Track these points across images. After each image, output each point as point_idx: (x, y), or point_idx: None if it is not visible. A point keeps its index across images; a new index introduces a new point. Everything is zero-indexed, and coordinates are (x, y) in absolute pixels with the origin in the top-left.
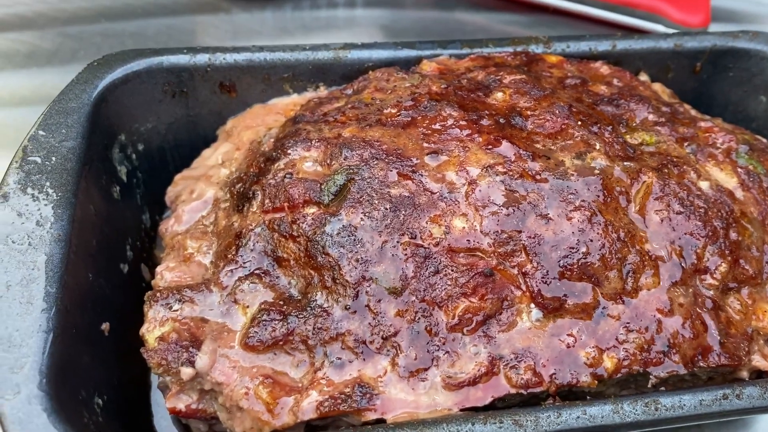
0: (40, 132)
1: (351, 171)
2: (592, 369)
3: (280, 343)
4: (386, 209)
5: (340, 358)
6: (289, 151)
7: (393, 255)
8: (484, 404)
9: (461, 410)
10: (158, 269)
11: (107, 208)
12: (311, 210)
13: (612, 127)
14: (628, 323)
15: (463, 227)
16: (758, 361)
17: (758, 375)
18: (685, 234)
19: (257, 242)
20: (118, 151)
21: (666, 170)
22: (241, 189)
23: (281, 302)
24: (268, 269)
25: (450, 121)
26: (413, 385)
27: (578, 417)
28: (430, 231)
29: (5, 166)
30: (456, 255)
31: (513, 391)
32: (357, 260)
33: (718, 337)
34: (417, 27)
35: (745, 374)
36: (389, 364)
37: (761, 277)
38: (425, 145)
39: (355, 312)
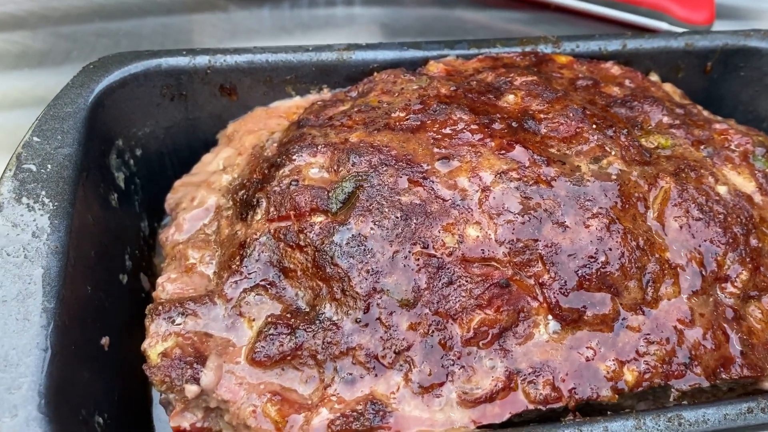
0: (35, 138)
1: (359, 178)
2: (613, 383)
3: (288, 358)
4: (397, 218)
5: (351, 374)
6: (294, 157)
7: (405, 265)
8: (502, 421)
9: (478, 427)
10: (159, 281)
11: (105, 216)
12: (318, 219)
13: (627, 131)
14: (648, 335)
15: (477, 236)
16: None
17: None
18: (705, 241)
19: (262, 252)
20: (115, 157)
21: (683, 175)
22: (245, 196)
23: (288, 315)
24: (274, 280)
25: (461, 125)
26: (428, 402)
27: None
28: (442, 240)
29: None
30: (470, 265)
31: (531, 406)
32: (367, 271)
33: (740, 348)
34: (417, 25)
35: (767, 385)
36: (402, 380)
37: None
38: (436, 150)
39: (366, 325)
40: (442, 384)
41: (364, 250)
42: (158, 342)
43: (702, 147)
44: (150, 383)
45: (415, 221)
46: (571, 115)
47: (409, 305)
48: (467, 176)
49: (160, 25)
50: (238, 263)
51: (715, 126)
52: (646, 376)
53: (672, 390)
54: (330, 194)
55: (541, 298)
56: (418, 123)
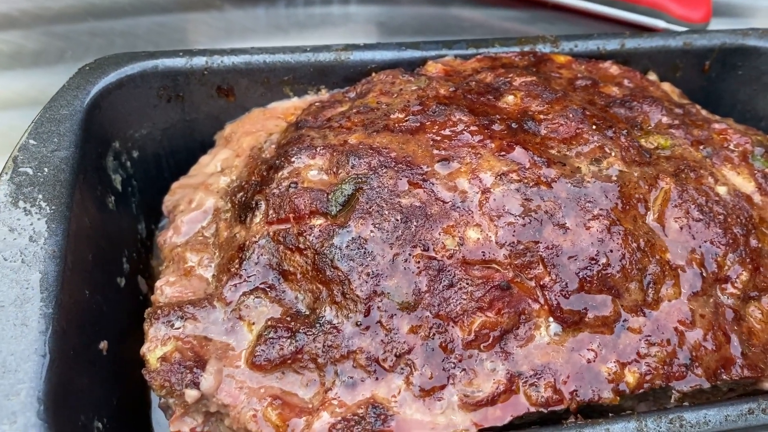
0: (31, 141)
1: (359, 180)
2: (614, 385)
3: (289, 361)
4: (397, 220)
5: (351, 377)
6: (292, 159)
7: (405, 268)
8: (503, 424)
9: (479, 430)
10: (158, 284)
11: (102, 219)
12: (318, 221)
13: (627, 131)
14: (649, 336)
15: (478, 238)
16: None
17: None
18: (705, 242)
19: (261, 255)
20: (112, 159)
21: (683, 175)
22: (243, 199)
23: (288, 318)
24: (273, 283)
25: (460, 127)
26: (429, 405)
27: None
28: (443, 242)
29: None
30: (471, 267)
31: (533, 409)
32: (367, 274)
33: (741, 348)
34: (413, 24)
35: (767, 385)
36: (403, 383)
37: None
38: (435, 151)
39: (366, 328)
40: (443, 387)
41: (364, 252)
42: (157, 346)
43: (701, 147)
44: (149, 388)
45: (415, 223)
46: (570, 115)
47: (410, 308)
48: (467, 178)
49: (155, 25)
50: (237, 266)
51: (714, 126)
52: (647, 377)
53: (673, 391)
54: (329, 197)
55: (542, 300)
56: (418, 124)
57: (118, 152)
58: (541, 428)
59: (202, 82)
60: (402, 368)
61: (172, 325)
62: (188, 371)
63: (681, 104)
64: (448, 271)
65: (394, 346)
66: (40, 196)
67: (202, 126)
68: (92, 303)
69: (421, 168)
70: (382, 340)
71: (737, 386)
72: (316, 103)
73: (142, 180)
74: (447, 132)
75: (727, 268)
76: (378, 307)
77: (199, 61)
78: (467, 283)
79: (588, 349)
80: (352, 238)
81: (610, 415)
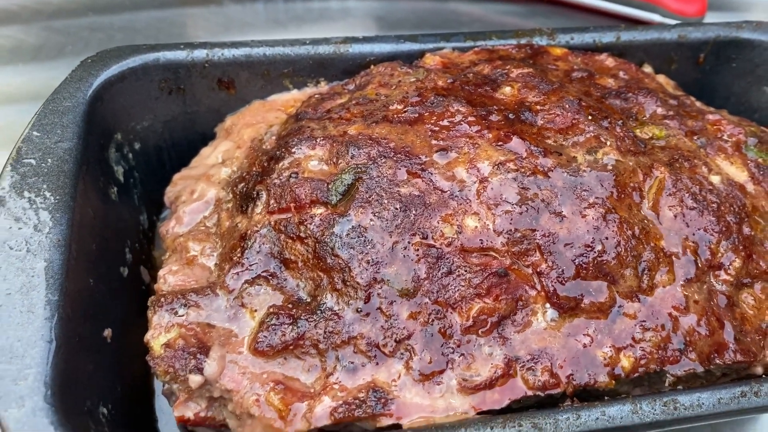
0: (35, 133)
1: (359, 170)
2: (609, 369)
3: (291, 347)
4: (396, 209)
5: (352, 363)
6: (293, 150)
7: (404, 256)
8: (501, 407)
9: (478, 413)
10: (161, 273)
11: (105, 210)
12: (319, 210)
13: (622, 122)
14: (644, 321)
15: (476, 226)
16: None
17: None
18: (699, 230)
19: (263, 244)
20: (114, 151)
21: (677, 165)
22: (245, 189)
23: (290, 305)
24: (275, 271)
25: (458, 117)
26: (428, 389)
27: (597, 418)
28: (441, 231)
29: None
30: (469, 255)
31: (530, 393)
32: (367, 262)
33: (734, 334)
34: (412, 18)
35: (759, 370)
36: (403, 368)
37: None
38: (434, 142)
39: (366, 315)
40: (442, 371)
41: (364, 241)
42: (161, 333)
43: (695, 137)
44: (152, 375)
45: (414, 212)
46: (567, 106)
47: (409, 295)
48: (465, 167)
49: (154, 19)
50: (239, 255)
51: (708, 117)
52: (642, 361)
53: (667, 375)
54: (330, 186)
55: (539, 287)
56: (416, 115)
57: (121, 144)
58: (538, 411)
59: (203, 75)
60: (402, 353)
61: (176, 313)
62: (192, 357)
63: (675, 96)
64: (447, 258)
65: (394, 331)
66: (45, 187)
67: (203, 118)
68: (96, 291)
69: (419, 158)
70: (382, 326)
71: (730, 371)
72: (316, 95)
73: (143, 171)
74: (445, 123)
75: (720, 255)
76: (378, 294)
77: (200, 54)
78: (465, 270)
79: (584, 334)
80: (352, 226)
81: (606, 399)
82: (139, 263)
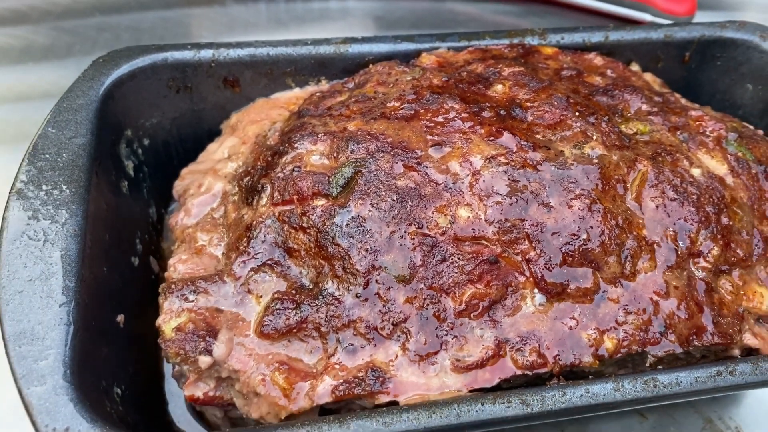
0: (50, 129)
1: (358, 164)
2: (594, 349)
3: (294, 330)
4: (393, 200)
5: (352, 344)
6: (296, 145)
7: (401, 244)
8: (492, 385)
9: (470, 391)
10: (171, 261)
11: (117, 202)
12: (320, 202)
13: (608, 118)
14: (626, 306)
15: (468, 216)
16: (749, 340)
17: (749, 352)
18: (680, 220)
19: (268, 234)
20: (125, 147)
21: (660, 158)
22: (250, 182)
23: (294, 291)
24: (279, 260)
25: (452, 114)
26: (423, 369)
27: (581, 395)
28: (436, 221)
29: (5, 162)
30: (461, 243)
31: (519, 372)
32: (366, 250)
33: (712, 318)
34: (410, 17)
35: (737, 352)
36: (400, 349)
37: (751, 259)
38: (429, 137)
39: (365, 300)
40: (436, 352)
41: (363, 230)
42: (172, 318)
43: (678, 132)
44: (162, 360)
45: (410, 203)
46: (555, 103)
47: (406, 281)
48: (458, 161)
49: (160, 19)
50: (245, 244)
51: (691, 113)
52: (625, 343)
53: (648, 356)
54: (330, 179)
55: (527, 273)
56: (412, 112)
57: (131, 140)
58: (526, 389)
59: (209, 74)
60: (398, 336)
61: (186, 299)
62: (201, 340)
63: (661, 93)
64: (441, 247)
65: (391, 315)
66: (61, 180)
67: (210, 115)
68: (110, 279)
69: (415, 152)
70: (380, 310)
71: (709, 353)
72: (317, 93)
73: (152, 166)
74: (440, 119)
75: (699, 243)
76: (376, 280)
77: (207, 54)
78: (458, 258)
79: (570, 318)
80: (352, 217)
81: (591, 378)
82: (148, 254)
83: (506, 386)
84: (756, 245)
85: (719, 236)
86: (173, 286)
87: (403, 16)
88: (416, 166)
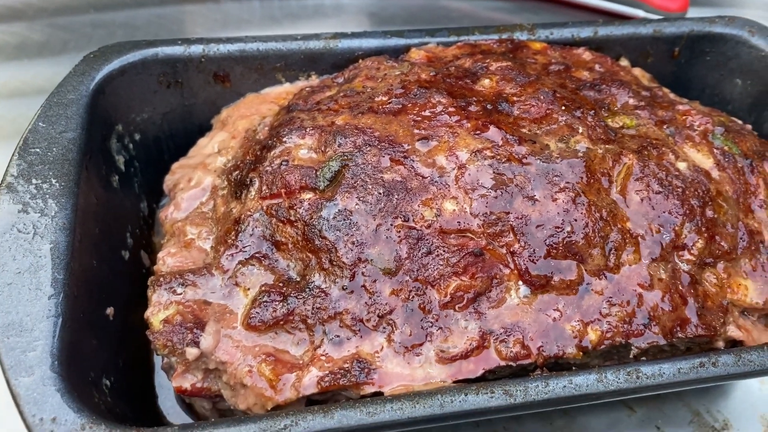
0: (40, 123)
1: (345, 157)
2: (577, 341)
3: (281, 322)
4: (380, 194)
5: (338, 336)
6: (284, 139)
7: (387, 237)
8: (476, 376)
9: (454, 382)
10: (160, 255)
11: (107, 196)
12: (308, 196)
13: (594, 112)
14: (610, 297)
15: (454, 209)
16: (733, 332)
17: (733, 344)
18: (664, 212)
19: (256, 227)
20: (115, 141)
21: (646, 152)
22: (239, 176)
23: (281, 284)
24: (267, 253)
25: (439, 108)
26: (408, 360)
27: (565, 386)
28: (422, 214)
29: (1, 158)
30: (447, 236)
31: (503, 363)
32: (353, 243)
33: (696, 310)
34: (404, 14)
35: (721, 344)
36: (385, 341)
37: (736, 252)
38: (416, 131)
39: (351, 292)
40: (421, 344)
41: (350, 223)
42: (160, 310)
43: (665, 126)
44: (152, 352)
45: (396, 197)
46: (542, 97)
47: (392, 273)
48: (445, 155)
49: (154, 16)
50: (233, 238)
51: (678, 107)
52: (608, 334)
53: (632, 348)
54: (318, 173)
55: (512, 266)
56: (400, 106)
57: (121, 135)
58: (510, 380)
59: (199, 69)
60: (384, 327)
61: (174, 291)
62: (189, 332)
63: (649, 87)
64: (427, 239)
65: (377, 307)
66: (50, 174)
67: (200, 110)
68: (100, 272)
69: (402, 146)
70: (366, 302)
71: (693, 345)
72: (307, 88)
73: (143, 161)
74: (427, 113)
75: (684, 236)
76: (362, 273)
77: (197, 49)
78: (444, 251)
79: (554, 309)
80: (339, 210)
81: (574, 369)
82: (139, 248)
83: (491, 377)
84: (741, 238)
85: (704, 229)
86: (162, 279)
87: (396, 13)
88: (403, 159)
